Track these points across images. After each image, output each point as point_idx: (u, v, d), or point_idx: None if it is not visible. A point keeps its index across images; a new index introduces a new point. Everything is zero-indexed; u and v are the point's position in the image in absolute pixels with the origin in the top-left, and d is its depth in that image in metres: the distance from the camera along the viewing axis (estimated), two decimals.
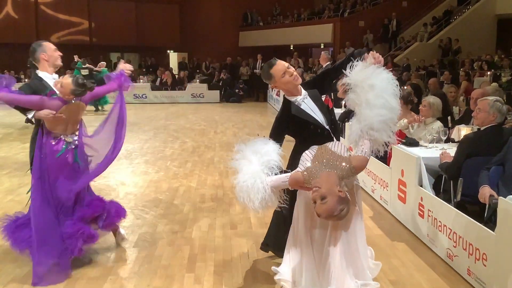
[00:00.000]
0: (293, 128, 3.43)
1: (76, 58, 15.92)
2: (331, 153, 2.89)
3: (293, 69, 3.37)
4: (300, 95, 3.39)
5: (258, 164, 3.00)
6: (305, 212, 3.10)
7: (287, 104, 3.41)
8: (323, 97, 3.47)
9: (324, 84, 3.55)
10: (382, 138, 2.94)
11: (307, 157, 2.94)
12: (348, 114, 7.42)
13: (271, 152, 3.07)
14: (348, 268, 2.97)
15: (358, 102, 2.99)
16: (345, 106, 8.06)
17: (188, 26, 24.17)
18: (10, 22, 21.50)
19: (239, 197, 3.01)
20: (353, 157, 2.90)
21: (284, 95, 3.47)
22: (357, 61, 3.12)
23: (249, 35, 24.76)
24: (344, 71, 3.15)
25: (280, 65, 3.33)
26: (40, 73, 4.10)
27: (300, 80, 3.37)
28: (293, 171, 2.96)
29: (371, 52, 3.14)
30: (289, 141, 3.45)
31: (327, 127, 3.37)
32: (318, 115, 3.37)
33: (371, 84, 2.96)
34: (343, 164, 2.83)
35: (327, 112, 3.43)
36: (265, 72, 3.39)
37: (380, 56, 3.15)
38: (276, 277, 3.16)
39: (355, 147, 2.99)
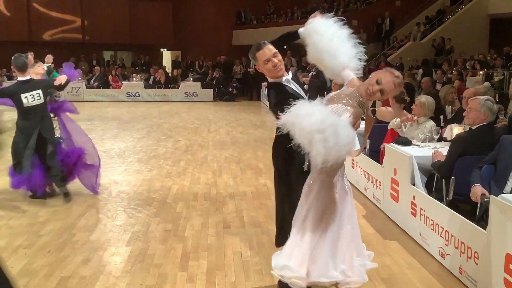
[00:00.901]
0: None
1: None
2: (333, 94, 3.20)
3: (279, 58, 3.33)
4: (286, 75, 3.42)
5: (319, 110, 2.78)
6: (325, 194, 3.07)
7: (278, 86, 3.39)
8: None
9: None
10: (356, 66, 3.25)
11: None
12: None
13: (317, 103, 2.89)
14: (353, 246, 3.15)
15: (327, 49, 3.24)
16: None
17: (182, 24, 24.12)
18: (2, 20, 21.30)
19: (324, 143, 2.62)
20: (348, 82, 3.22)
21: (268, 78, 3.45)
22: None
23: (242, 33, 24.69)
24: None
25: (267, 50, 3.32)
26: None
27: (282, 72, 3.37)
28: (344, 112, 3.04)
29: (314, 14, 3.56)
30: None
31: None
32: (302, 93, 3.46)
33: (335, 32, 3.33)
34: (348, 89, 3.18)
35: (303, 89, 3.57)
36: (252, 52, 3.40)
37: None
38: (287, 275, 3.00)
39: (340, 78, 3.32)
